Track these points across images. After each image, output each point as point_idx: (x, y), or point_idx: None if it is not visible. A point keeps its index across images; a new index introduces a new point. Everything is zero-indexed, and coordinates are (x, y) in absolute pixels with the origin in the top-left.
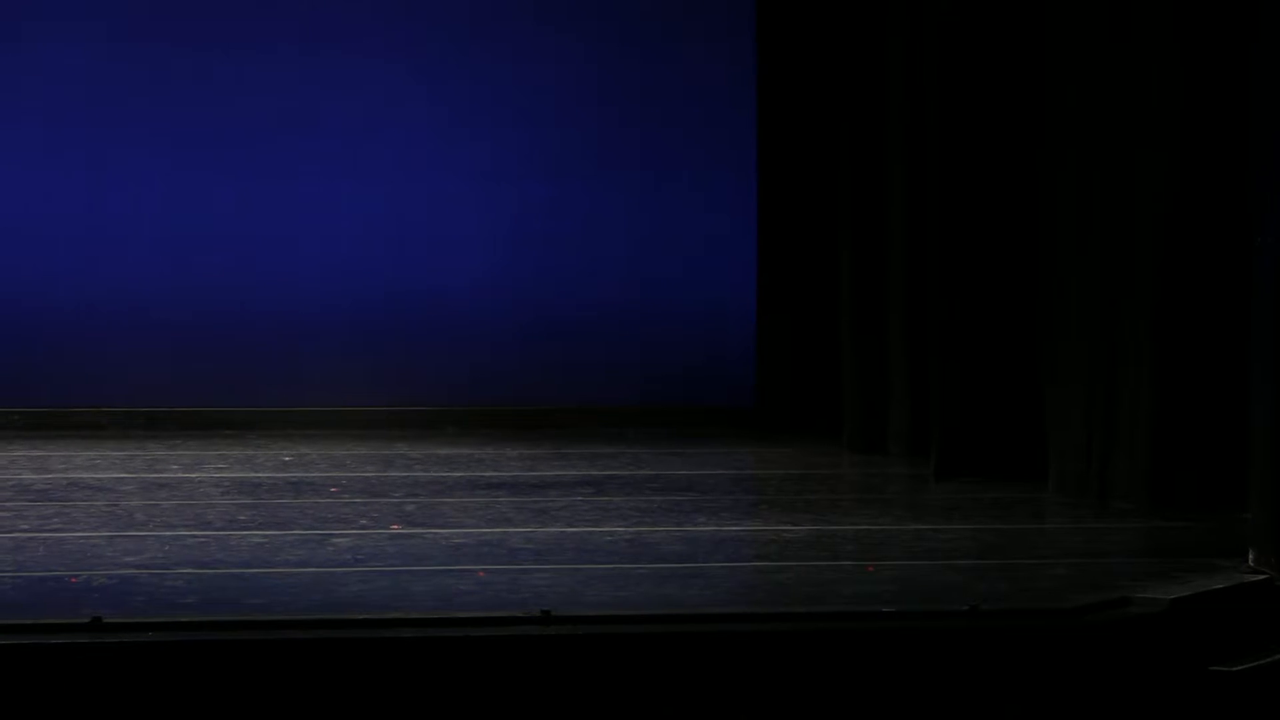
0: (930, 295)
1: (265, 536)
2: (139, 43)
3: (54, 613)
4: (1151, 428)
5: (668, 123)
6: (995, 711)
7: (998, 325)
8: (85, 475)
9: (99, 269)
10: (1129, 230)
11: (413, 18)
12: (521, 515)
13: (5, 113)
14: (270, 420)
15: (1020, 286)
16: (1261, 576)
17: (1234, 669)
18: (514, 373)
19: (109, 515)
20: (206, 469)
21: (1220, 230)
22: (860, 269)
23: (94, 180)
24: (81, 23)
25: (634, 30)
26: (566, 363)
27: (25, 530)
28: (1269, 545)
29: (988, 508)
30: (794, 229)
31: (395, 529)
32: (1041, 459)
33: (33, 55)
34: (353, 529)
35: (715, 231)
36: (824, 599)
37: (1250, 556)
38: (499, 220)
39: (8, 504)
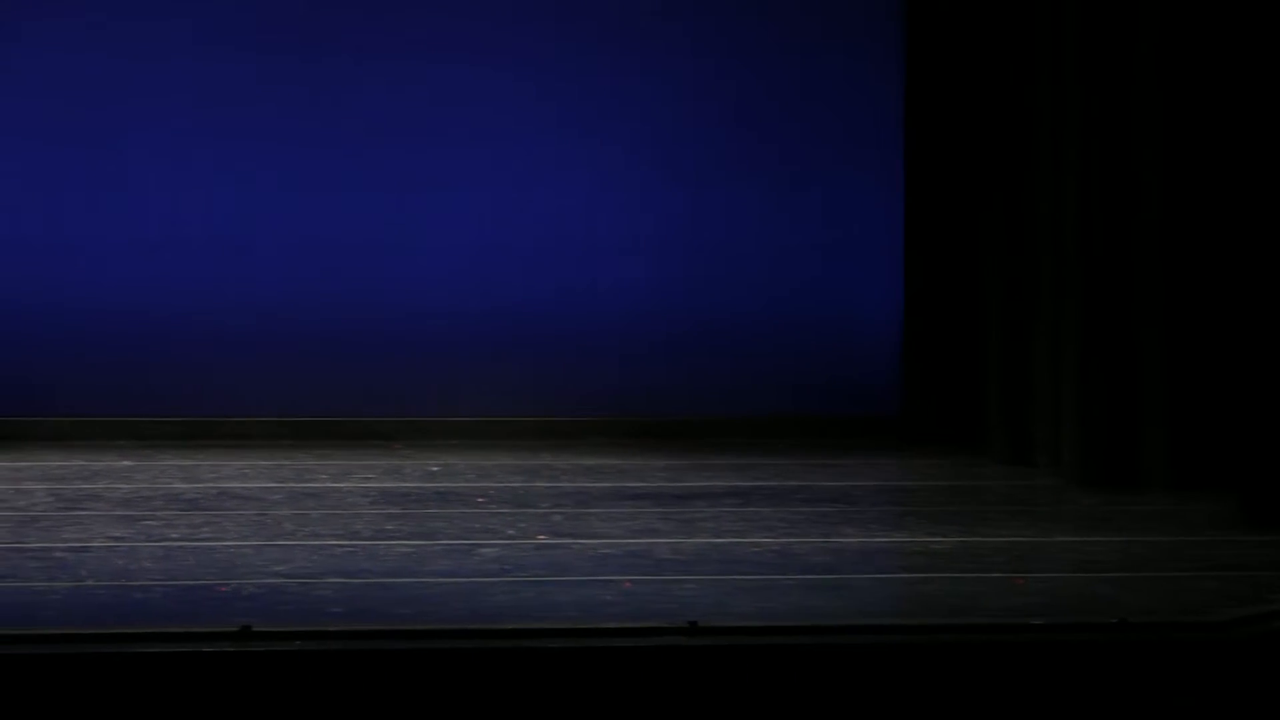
0: (1076, 302)
1: (412, 546)
2: (263, 54)
3: (204, 621)
4: None
5: (811, 129)
6: None
7: (1141, 331)
8: (234, 485)
9: (245, 279)
10: None
11: (558, 27)
12: (667, 526)
13: (133, 125)
14: (417, 430)
15: (1163, 292)
16: None
17: None
18: (658, 383)
19: (258, 525)
20: (354, 479)
21: None
22: (1007, 277)
23: (238, 190)
24: (208, 34)
25: (776, 35)
26: (710, 373)
27: (175, 539)
28: None
29: (1136, 519)
30: (940, 236)
31: (541, 539)
32: (1190, 470)
33: (153, 68)
34: (499, 539)
35: (860, 239)
36: (971, 611)
37: None
38: (642, 230)
39: (158, 513)
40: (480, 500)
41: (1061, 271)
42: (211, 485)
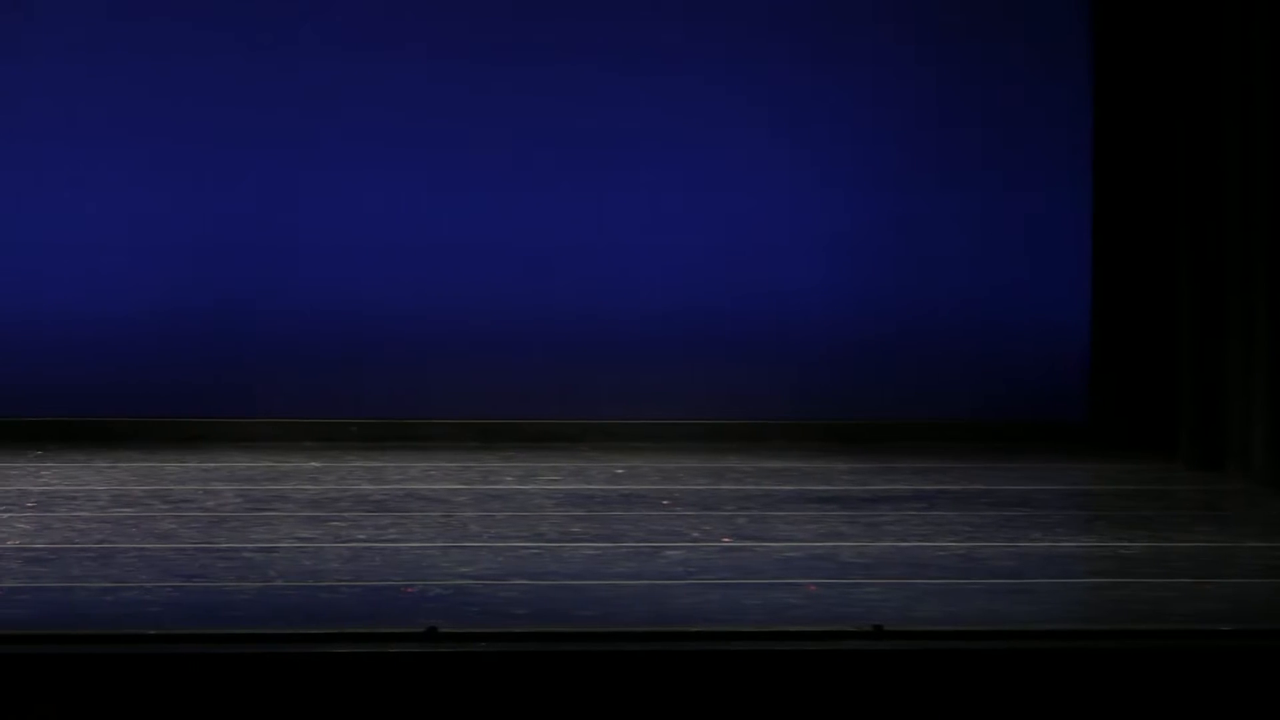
0: (1267, 304)
1: (597, 548)
2: (471, 59)
3: (390, 622)
4: None
5: (1000, 138)
6: None
7: None
8: (420, 486)
9: (432, 282)
10: None
11: (755, 32)
12: (853, 529)
13: (341, 130)
14: (602, 433)
15: None
16: None
17: None
18: (843, 386)
19: (444, 526)
20: (539, 481)
21: None
22: (1198, 281)
23: (427, 195)
24: (416, 41)
25: (967, 42)
26: (897, 376)
27: (362, 540)
28: None
29: None
30: (1130, 241)
31: (726, 542)
32: None
33: (364, 74)
34: (684, 542)
35: (1047, 244)
36: (1159, 617)
37: None
38: (826, 233)
39: (345, 514)
40: (665, 503)
41: (1252, 273)
42: (398, 487)
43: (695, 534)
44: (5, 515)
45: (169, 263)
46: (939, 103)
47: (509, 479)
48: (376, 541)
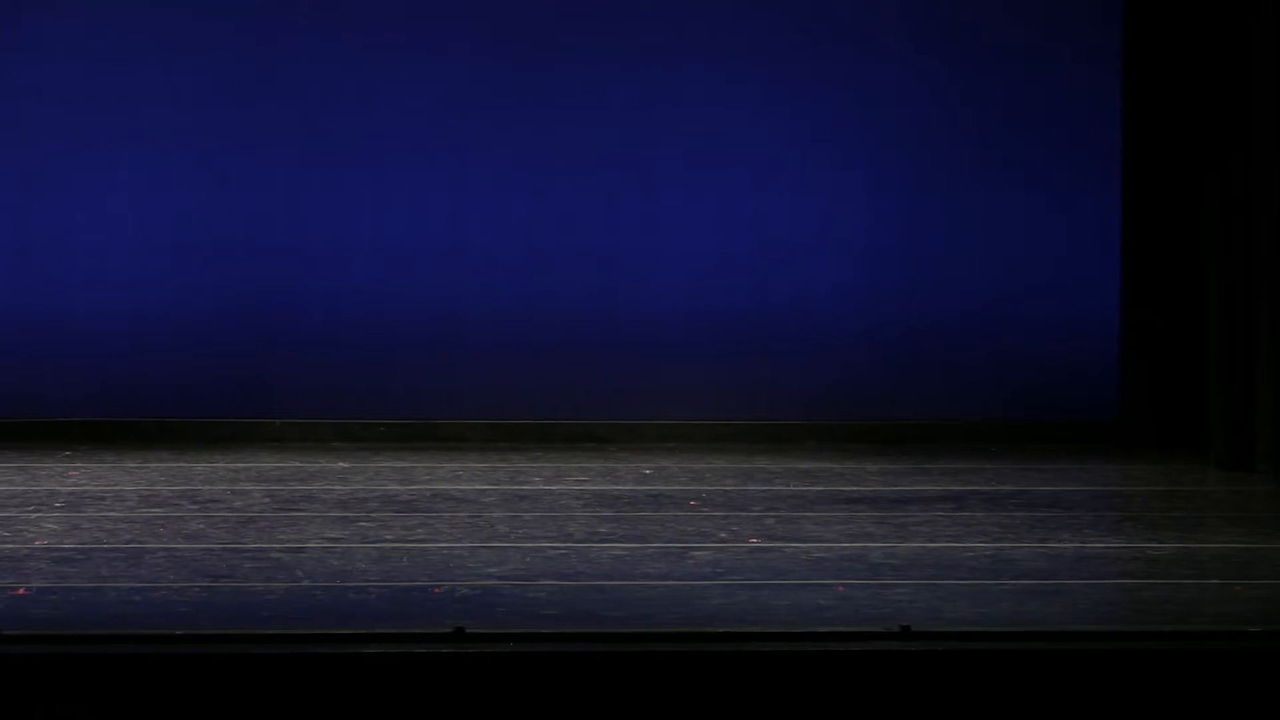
0: None
1: (626, 549)
2: (498, 61)
3: (418, 622)
4: None
5: (1029, 138)
6: None
7: None
8: (448, 487)
9: (462, 283)
10: None
11: (775, 35)
12: (882, 530)
13: (370, 131)
14: (631, 433)
15: None
16: None
17: None
18: (873, 387)
19: (472, 526)
20: (567, 481)
21: None
22: (1228, 281)
23: (456, 196)
24: (442, 44)
25: (996, 48)
26: (925, 377)
27: (390, 540)
28: None
29: None
30: (1158, 243)
31: (754, 543)
32: None
33: (392, 77)
34: (713, 542)
35: (1076, 246)
36: (1189, 618)
37: None
38: (858, 235)
39: (374, 514)
40: (693, 503)
41: None
42: (426, 487)
43: (723, 534)
44: (34, 515)
45: (196, 265)
46: (965, 110)
47: (537, 479)
48: (405, 542)
